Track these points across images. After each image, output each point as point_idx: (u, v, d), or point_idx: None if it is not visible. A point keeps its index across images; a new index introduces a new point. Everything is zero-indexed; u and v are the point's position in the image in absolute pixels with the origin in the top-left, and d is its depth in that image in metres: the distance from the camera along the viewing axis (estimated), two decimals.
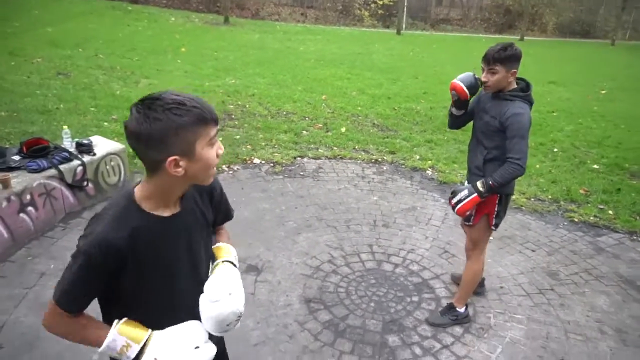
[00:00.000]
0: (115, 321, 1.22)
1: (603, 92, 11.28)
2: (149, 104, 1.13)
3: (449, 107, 2.75)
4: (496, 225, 2.70)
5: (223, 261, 1.39)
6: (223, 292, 1.25)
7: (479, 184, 2.46)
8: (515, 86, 2.47)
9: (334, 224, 4.03)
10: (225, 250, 1.47)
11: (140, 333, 1.20)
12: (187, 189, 1.30)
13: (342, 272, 3.38)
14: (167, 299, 1.31)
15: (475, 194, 2.46)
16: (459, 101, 2.60)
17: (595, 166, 5.82)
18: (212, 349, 1.25)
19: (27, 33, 11.25)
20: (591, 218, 4.41)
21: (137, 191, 1.25)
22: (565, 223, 4.33)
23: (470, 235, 2.80)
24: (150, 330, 1.22)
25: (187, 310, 1.28)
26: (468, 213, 2.61)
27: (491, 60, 2.38)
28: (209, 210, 1.43)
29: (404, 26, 26.74)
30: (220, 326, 1.25)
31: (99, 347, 1.19)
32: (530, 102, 2.46)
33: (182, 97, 1.15)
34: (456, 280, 3.21)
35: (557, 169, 5.63)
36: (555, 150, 6.37)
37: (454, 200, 2.55)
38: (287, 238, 3.77)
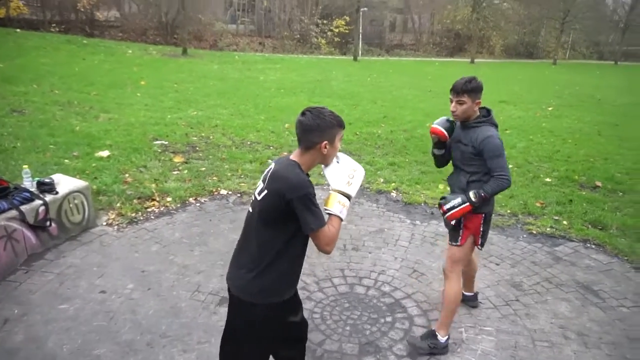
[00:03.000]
0: (326, 216, 1.90)
1: (550, 109, 11.98)
2: (318, 109, 1.91)
3: (431, 149, 2.98)
4: (482, 245, 2.84)
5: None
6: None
7: (471, 194, 2.64)
8: (479, 114, 2.70)
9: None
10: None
11: (332, 196, 1.93)
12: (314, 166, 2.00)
13: (316, 297, 3.42)
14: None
15: (468, 204, 2.64)
16: (440, 142, 2.87)
17: (548, 179, 6.16)
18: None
19: None
20: (548, 229, 4.65)
21: (298, 161, 1.92)
22: (525, 235, 4.55)
23: (452, 256, 2.85)
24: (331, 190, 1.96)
25: None
26: (453, 223, 2.73)
27: (460, 91, 2.62)
28: None
29: (360, 52, 27.58)
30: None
31: (342, 220, 1.92)
32: (495, 125, 2.71)
33: (332, 111, 1.94)
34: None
35: (514, 184, 5.88)
36: (511, 166, 6.68)
37: (447, 207, 2.68)
38: None
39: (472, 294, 3.32)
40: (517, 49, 37.05)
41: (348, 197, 1.94)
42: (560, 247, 4.32)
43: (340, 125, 1.93)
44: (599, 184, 6.04)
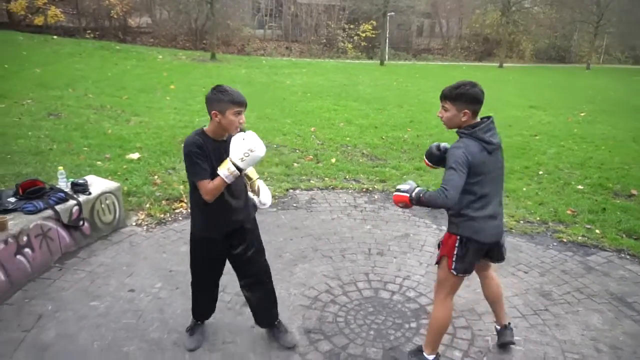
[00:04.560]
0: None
1: (582, 114, 11.66)
2: (221, 86, 2.37)
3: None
4: (457, 270, 2.53)
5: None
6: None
7: (417, 189, 2.47)
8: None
9: (329, 254, 4.08)
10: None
11: (225, 162, 2.32)
12: (224, 134, 2.45)
13: (340, 301, 3.41)
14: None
15: (407, 194, 2.48)
16: (432, 164, 2.71)
17: (579, 187, 5.99)
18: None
19: (16, 75, 11.40)
20: (579, 238, 4.52)
21: (206, 128, 2.45)
22: (555, 244, 4.43)
23: (437, 277, 2.71)
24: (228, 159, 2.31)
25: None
26: (401, 205, 2.54)
27: (442, 97, 2.45)
28: None
29: (386, 57, 27.48)
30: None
31: (225, 180, 2.31)
32: (479, 139, 2.39)
33: (234, 90, 2.37)
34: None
35: (544, 191, 5.78)
36: (541, 172, 6.55)
37: (397, 187, 2.57)
38: (285, 270, 3.81)
39: (500, 326, 2.91)
40: (549, 53, 36.20)
41: (238, 168, 2.30)
42: (593, 257, 4.19)
43: (233, 102, 2.33)
44: (634, 192, 5.83)
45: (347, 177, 6.06)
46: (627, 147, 8.32)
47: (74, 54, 16.68)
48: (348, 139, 7.94)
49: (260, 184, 2.77)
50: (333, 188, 5.68)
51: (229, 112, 2.34)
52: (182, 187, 5.26)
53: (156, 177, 5.52)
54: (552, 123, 10.36)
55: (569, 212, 5.13)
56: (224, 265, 2.80)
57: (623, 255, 4.25)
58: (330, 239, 4.38)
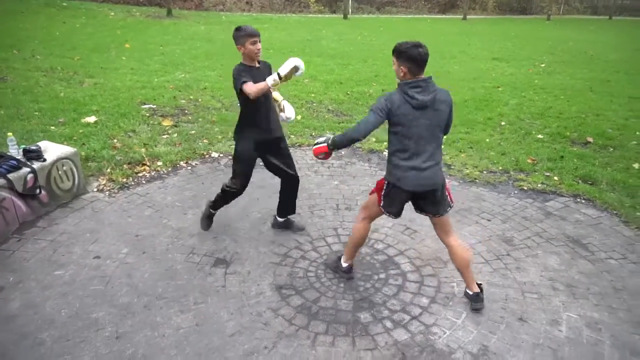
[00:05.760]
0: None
1: (542, 65, 11.86)
2: (237, 28, 3.16)
3: None
4: (384, 207, 2.86)
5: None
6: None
7: (331, 137, 2.80)
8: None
9: (298, 211, 4.07)
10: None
11: (271, 75, 3.05)
12: (252, 62, 3.24)
13: (310, 256, 3.45)
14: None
15: (325, 144, 2.82)
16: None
17: (539, 136, 6.16)
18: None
19: None
20: (539, 185, 4.69)
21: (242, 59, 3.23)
22: (516, 192, 4.58)
23: (368, 199, 3.04)
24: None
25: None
26: (321, 157, 2.88)
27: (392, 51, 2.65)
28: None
29: (350, 11, 26.88)
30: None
31: (268, 83, 3.00)
32: (403, 92, 2.57)
33: (244, 26, 3.16)
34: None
35: (506, 142, 5.92)
36: (503, 123, 6.68)
37: (315, 141, 2.92)
38: (253, 229, 3.80)
39: (472, 292, 2.92)
40: (511, 4, 36.23)
41: (279, 75, 2.97)
42: (551, 203, 4.36)
43: (248, 34, 3.12)
44: (590, 139, 6.05)
45: (313, 134, 6.00)
46: (584, 96, 8.56)
47: (16, 12, 15.49)
48: (313, 95, 7.82)
49: (285, 103, 3.45)
50: (299, 145, 5.63)
51: (248, 43, 3.12)
52: (143, 150, 5.09)
53: (115, 140, 5.31)
54: (514, 74, 10.50)
55: (529, 160, 5.29)
56: (254, 166, 3.51)
57: (579, 200, 4.44)
58: (299, 195, 4.35)
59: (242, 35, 3.11)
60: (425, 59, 2.56)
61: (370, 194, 3.00)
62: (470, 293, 2.94)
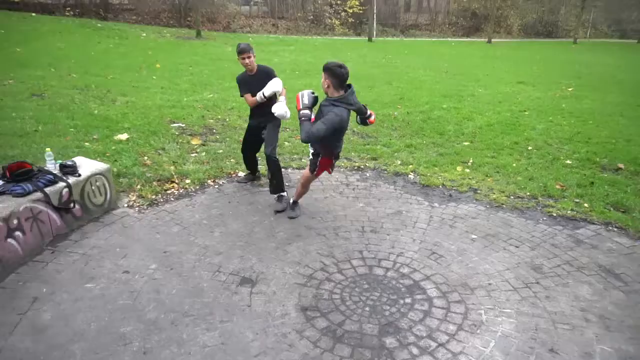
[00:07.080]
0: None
1: (570, 89, 11.72)
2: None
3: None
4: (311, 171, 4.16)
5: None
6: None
7: (307, 111, 3.63)
8: (336, 96, 3.65)
9: (323, 232, 4.10)
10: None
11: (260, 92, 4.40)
12: (248, 71, 4.49)
13: (335, 278, 3.45)
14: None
15: (305, 107, 3.65)
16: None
17: (568, 162, 6.06)
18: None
19: None
20: (568, 212, 4.59)
21: None
22: (545, 218, 4.50)
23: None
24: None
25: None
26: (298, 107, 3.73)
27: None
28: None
29: (374, 33, 27.16)
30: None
31: (257, 99, 4.40)
32: (343, 102, 3.67)
33: (239, 44, 4.35)
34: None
35: (533, 167, 5.84)
36: (530, 148, 6.60)
37: (305, 93, 3.68)
38: (279, 249, 3.82)
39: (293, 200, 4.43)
40: (536, 28, 36.11)
41: (264, 95, 4.30)
42: (582, 230, 4.27)
43: (237, 52, 4.30)
44: (621, 166, 5.92)
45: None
46: (614, 121, 8.40)
47: (54, 32, 16.19)
48: None
49: (280, 99, 4.35)
50: None
51: (239, 58, 4.32)
52: (172, 167, 5.21)
53: (146, 157, 5.45)
54: (541, 98, 10.40)
55: (558, 186, 5.20)
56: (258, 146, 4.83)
57: (611, 228, 4.33)
58: (324, 217, 4.39)
59: (236, 52, 4.29)
60: (342, 77, 3.56)
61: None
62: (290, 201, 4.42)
